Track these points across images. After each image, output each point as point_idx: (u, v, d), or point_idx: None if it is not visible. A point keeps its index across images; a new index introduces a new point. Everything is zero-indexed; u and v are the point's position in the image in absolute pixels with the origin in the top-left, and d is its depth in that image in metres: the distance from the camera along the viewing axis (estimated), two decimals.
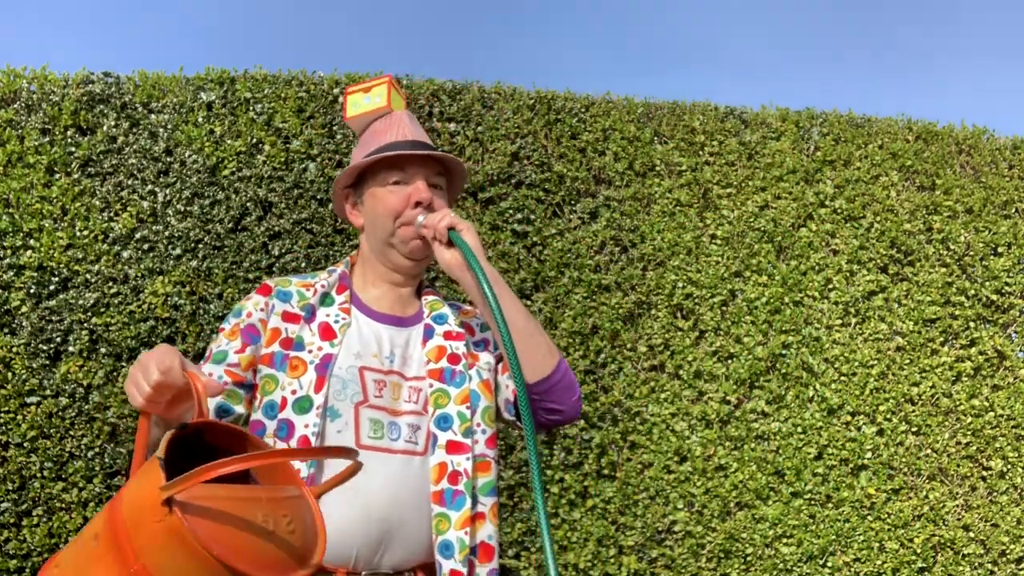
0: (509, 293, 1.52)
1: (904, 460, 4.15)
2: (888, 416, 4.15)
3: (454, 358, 1.56)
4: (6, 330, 3.60)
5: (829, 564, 4.02)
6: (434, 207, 1.57)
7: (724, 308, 4.10)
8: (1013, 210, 4.42)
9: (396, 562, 1.47)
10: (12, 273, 3.61)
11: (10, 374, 3.57)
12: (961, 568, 4.14)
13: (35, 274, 3.61)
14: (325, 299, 1.58)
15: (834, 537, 4.03)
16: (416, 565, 1.49)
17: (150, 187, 3.72)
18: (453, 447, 1.50)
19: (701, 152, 4.19)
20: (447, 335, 1.58)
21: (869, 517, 4.09)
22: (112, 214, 3.71)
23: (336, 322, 1.55)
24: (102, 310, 3.63)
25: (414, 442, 1.50)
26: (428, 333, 1.59)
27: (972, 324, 4.29)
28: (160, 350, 1.24)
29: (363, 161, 1.58)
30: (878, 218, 4.27)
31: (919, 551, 4.10)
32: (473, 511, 1.49)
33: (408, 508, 1.46)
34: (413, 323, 1.61)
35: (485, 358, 1.62)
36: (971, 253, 4.34)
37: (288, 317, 1.55)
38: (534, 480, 1.34)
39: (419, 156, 1.58)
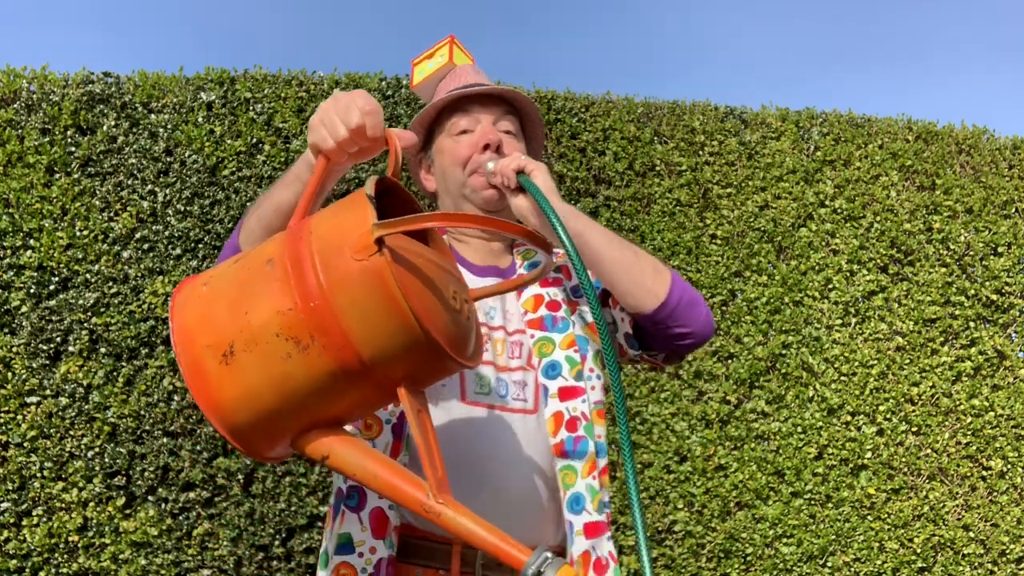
0: (594, 225, 1.38)
1: (904, 460, 4.15)
2: (888, 416, 4.15)
3: (553, 304, 1.43)
4: (6, 330, 3.60)
5: (829, 564, 4.02)
6: (504, 151, 1.44)
7: (724, 308, 4.10)
8: (1013, 210, 4.42)
9: (528, 540, 1.18)
10: (12, 273, 3.61)
11: (10, 374, 3.57)
12: (961, 568, 4.14)
13: (35, 274, 3.61)
14: None
15: (834, 537, 4.03)
16: (551, 547, 1.26)
17: (150, 187, 3.72)
18: (566, 393, 1.36)
19: (701, 152, 4.19)
20: (543, 282, 1.45)
21: (869, 517, 4.09)
22: (112, 214, 3.71)
23: None
24: (102, 310, 3.63)
25: (523, 399, 1.37)
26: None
27: (972, 324, 4.29)
28: (361, 93, 1.13)
29: (422, 112, 1.47)
30: (878, 218, 4.27)
31: (919, 551, 4.10)
32: (599, 459, 1.36)
33: (531, 474, 1.33)
34: (510, 274, 1.49)
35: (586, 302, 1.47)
36: (971, 253, 4.34)
37: None
38: (622, 435, 1.16)
39: (481, 97, 1.46)
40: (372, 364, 0.99)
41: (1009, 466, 4.24)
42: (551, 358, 1.38)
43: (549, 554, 0.98)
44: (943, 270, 4.28)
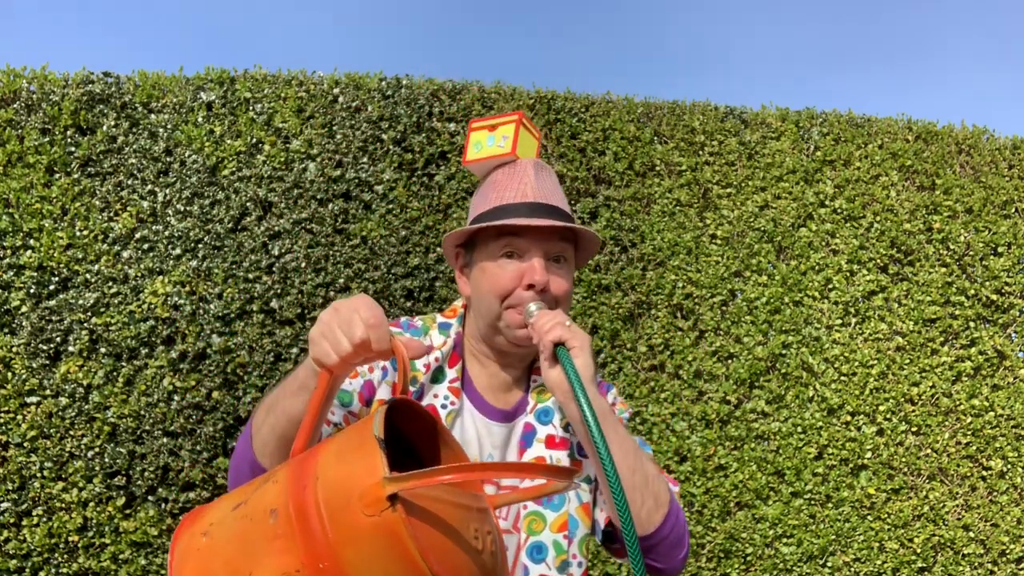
0: (619, 433, 1.27)
1: (904, 460, 4.15)
2: (888, 416, 4.14)
3: None
4: (6, 330, 3.60)
5: (829, 564, 4.02)
6: (551, 290, 1.34)
7: (724, 308, 4.10)
8: (1013, 210, 4.42)
9: None
10: (12, 273, 3.61)
11: (10, 374, 3.57)
12: (961, 568, 4.14)
13: (35, 274, 3.61)
14: (437, 375, 1.37)
15: (834, 537, 4.03)
16: None
17: (150, 187, 3.72)
18: None
19: (701, 152, 4.19)
20: (549, 441, 1.36)
21: (869, 517, 4.09)
22: (112, 214, 3.71)
23: (443, 407, 1.35)
24: (102, 310, 3.63)
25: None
26: (527, 438, 1.37)
27: (972, 324, 4.29)
28: (364, 302, 1.07)
29: (469, 228, 1.36)
30: (878, 218, 4.27)
31: (919, 551, 4.10)
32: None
33: None
34: (515, 416, 1.40)
35: (588, 469, 1.39)
36: (971, 253, 4.34)
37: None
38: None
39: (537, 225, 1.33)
40: None
41: (1009, 466, 4.24)
42: (539, 538, 1.31)
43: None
44: (943, 270, 4.28)
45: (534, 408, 1.39)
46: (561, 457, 1.35)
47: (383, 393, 1.33)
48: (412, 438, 1.09)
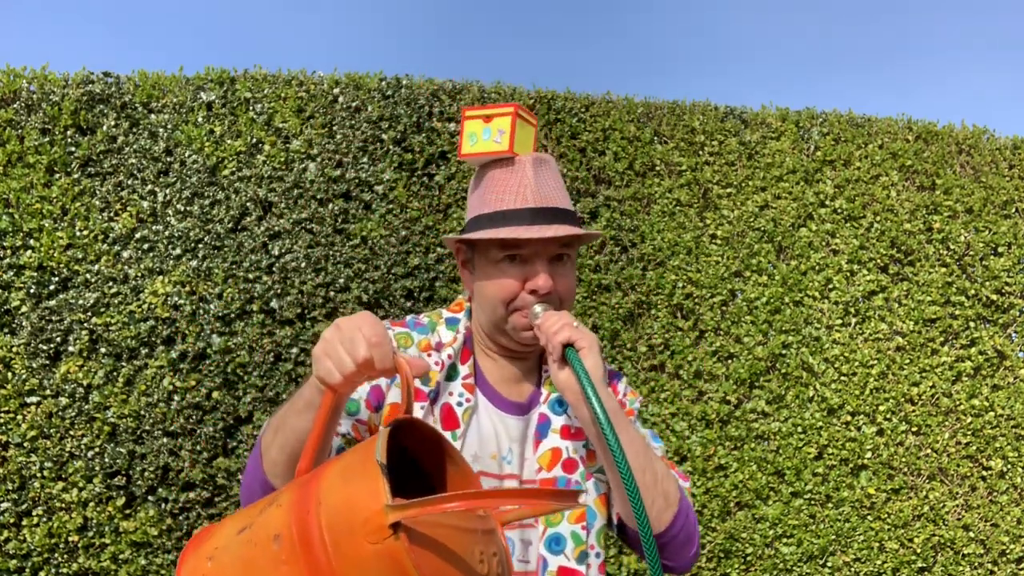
0: (629, 432, 1.28)
1: (904, 460, 4.15)
2: (888, 416, 4.14)
3: (570, 464, 1.34)
4: (6, 330, 3.60)
5: (829, 564, 4.02)
6: (556, 290, 1.33)
7: (724, 308, 4.10)
8: (1013, 210, 4.42)
9: None
10: (12, 273, 3.61)
11: (10, 374, 3.57)
12: (961, 568, 4.14)
13: (35, 274, 3.61)
14: (451, 372, 1.36)
15: (834, 537, 4.03)
16: None
17: (150, 187, 3.72)
18: (564, 574, 1.29)
19: (701, 152, 4.19)
20: (564, 432, 1.35)
21: (869, 517, 4.09)
22: (112, 214, 3.71)
23: (459, 404, 1.34)
24: (102, 310, 3.63)
25: (525, 560, 1.30)
26: (542, 429, 1.37)
27: (972, 324, 4.29)
28: (367, 320, 1.06)
29: (469, 236, 1.35)
30: (878, 218, 4.27)
31: (919, 551, 4.10)
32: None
33: None
34: (530, 408, 1.39)
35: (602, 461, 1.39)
36: (971, 253, 4.34)
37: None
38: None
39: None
40: None
41: (1009, 466, 4.24)
42: (556, 530, 1.31)
43: None
44: (943, 270, 4.28)
45: (547, 399, 1.39)
46: (577, 447, 1.35)
47: (393, 397, 1.31)
48: (417, 454, 1.08)
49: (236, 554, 0.97)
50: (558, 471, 1.33)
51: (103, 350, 3.61)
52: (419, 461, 1.09)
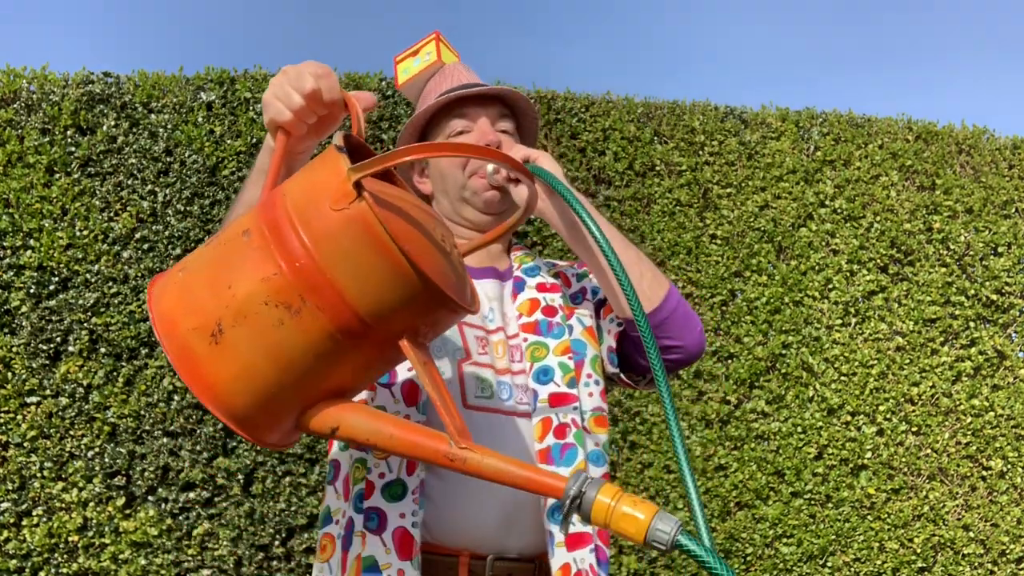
0: (603, 219, 1.29)
1: (904, 460, 4.15)
2: (888, 416, 4.15)
3: (550, 310, 1.38)
4: (6, 330, 3.60)
5: (829, 564, 4.02)
6: (503, 150, 1.38)
7: (724, 308, 4.10)
8: (1013, 210, 4.42)
9: (523, 546, 1.28)
10: (12, 273, 3.61)
11: (10, 374, 3.57)
12: (961, 568, 4.14)
13: (35, 274, 3.61)
14: None
15: (834, 537, 4.03)
16: (543, 553, 1.28)
17: (150, 187, 3.72)
18: (557, 399, 1.30)
19: (701, 152, 4.19)
20: (540, 287, 1.41)
21: (869, 517, 4.09)
22: (112, 214, 3.71)
23: None
24: (102, 310, 3.63)
25: (527, 403, 1.32)
26: (519, 286, 1.42)
27: (972, 324, 4.29)
28: (310, 62, 1.09)
29: (416, 115, 1.42)
30: (878, 218, 4.27)
31: (919, 551, 4.10)
32: (593, 468, 1.31)
33: None
34: (508, 277, 1.44)
35: (585, 308, 1.42)
36: (971, 253, 4.34)
37: None
38: (671, 428, 1.05)
39: (477, 98, 1.41)
40: (369, 318, 0.94)
41: (1009, 466, 4.24)
42: (543, 363, 1.33)
43: (588, 474, 0.95)
44: (943, 270, 4.28)
45: (519, 268, 1.45)
46: (555, 298, 1.39)
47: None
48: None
49: (207, 257, 1.00)
50: (538, 315, 1.37)
51: (103, 350, 3.61)
52: None
